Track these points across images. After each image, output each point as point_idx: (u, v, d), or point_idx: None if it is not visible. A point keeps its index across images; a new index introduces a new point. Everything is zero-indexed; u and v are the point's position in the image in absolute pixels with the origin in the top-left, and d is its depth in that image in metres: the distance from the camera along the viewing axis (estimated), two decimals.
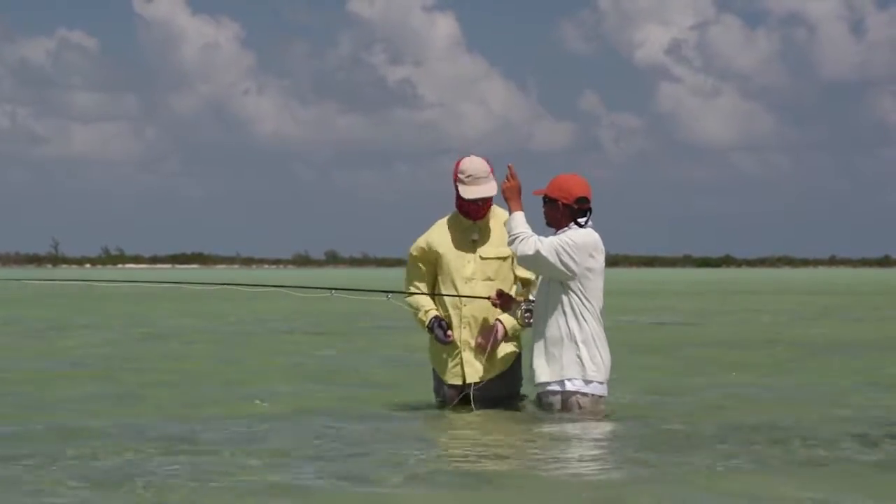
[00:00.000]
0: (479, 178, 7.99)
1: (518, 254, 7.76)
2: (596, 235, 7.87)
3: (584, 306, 7.80)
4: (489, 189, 8.01)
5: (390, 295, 8.49)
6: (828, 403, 9.48)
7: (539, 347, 7.89)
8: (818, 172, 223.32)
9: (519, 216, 7.81)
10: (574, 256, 7.72)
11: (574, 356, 7.80)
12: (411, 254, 8.26)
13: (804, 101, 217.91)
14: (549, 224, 7.95)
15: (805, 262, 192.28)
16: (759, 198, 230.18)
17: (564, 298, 7.81)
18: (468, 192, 7.99)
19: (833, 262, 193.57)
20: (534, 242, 7.71)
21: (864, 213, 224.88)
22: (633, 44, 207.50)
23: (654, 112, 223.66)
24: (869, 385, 10.93)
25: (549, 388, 7.87)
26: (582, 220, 7.87)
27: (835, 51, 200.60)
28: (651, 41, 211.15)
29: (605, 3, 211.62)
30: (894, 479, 6.42)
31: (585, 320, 7.80)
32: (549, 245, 7.72)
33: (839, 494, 5.92)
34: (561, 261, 7.72)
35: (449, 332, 8.05)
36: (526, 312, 7.98)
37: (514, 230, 7.78)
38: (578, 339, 7.79)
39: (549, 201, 7.90)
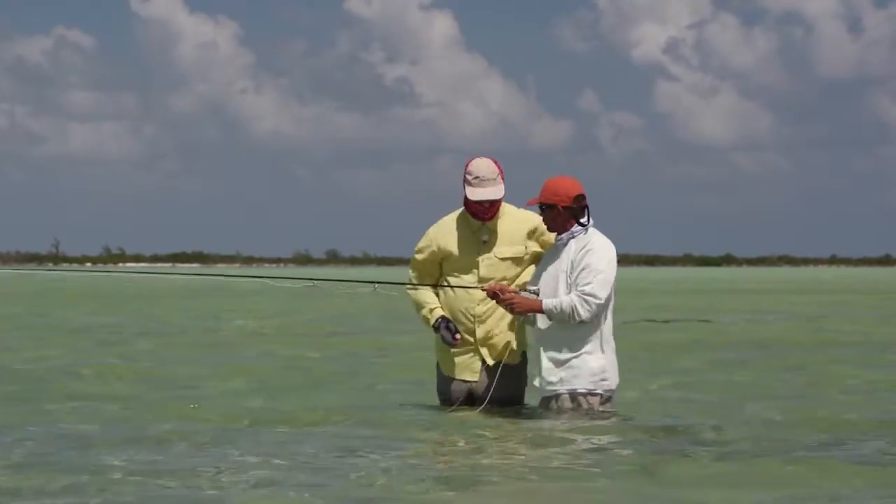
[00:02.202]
0: (485, 179, 7.94)
1: (586, 319, 7.62)
2: (612, 248, 7.79)
3: (602, 311, 7.73)
4: (496, 192, 7.96)
5: (377, 286, 8.47)
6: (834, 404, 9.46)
7: (548, 350, 7.79)
8: (818, 171, 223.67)
9: (547, 302, 7.66)
10: (611, 282, 7.70)
11: (585, 359, 7.73)
12: (417, 253, 8.21)
13: (802, 99, 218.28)
14: (550, 230, 7.88)
15: (805, 262, 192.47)
16: (759, 197, 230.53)
17: None
18: (474, 194, 7.96)
19: (833, 261, 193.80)
20: (582, 305, 7.59)
21: (864, 213, 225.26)
22: (631, 42, 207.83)
23: (653, 111, 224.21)
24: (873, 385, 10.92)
25: (558, 390, 7.78)
26: (584, 221, 7.81)
27: (833, 49, 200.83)
28: (648, 40, 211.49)
29: (603, 2, 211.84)
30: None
31: (597, 324, 7.73)
32: (601, 280, 7.63)
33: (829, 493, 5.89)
34: (608, 298, 7.70)
35: (457, 335, 8.00)
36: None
37: (563, 311, 7.62)
38: (590, 342, 7.72)
39: (547, 208, 7.82)
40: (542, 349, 7.83)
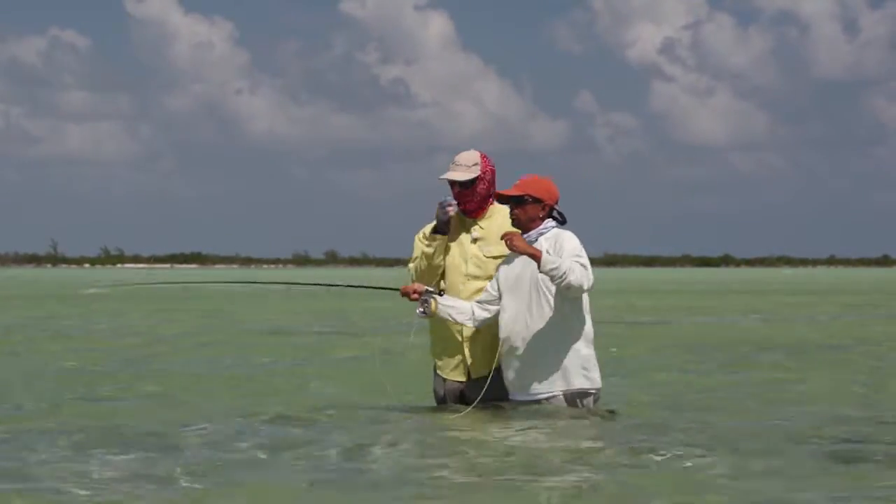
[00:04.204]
0: (459, 164, 8.09)
1: (576, 285, 7.53)
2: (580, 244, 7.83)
3: (582, 307, 7.82)
4: (461, 174, 8.05)
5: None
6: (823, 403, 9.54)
7: (535, 354, 7.77)
8: (814, 172, 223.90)
9: (546, 255, 7.55)
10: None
11: (574, 359, 7.75)
12: (417, 238, 8.29)
13: (798, 100, 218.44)
14: (519, 225, 7.82)
15: (804, 262, 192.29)
16: (757, 197, 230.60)
17: (564, 304, 7.75)
18: (445, 175, 8.11)
19: (832, 261, 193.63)
20: (582, 270, 7.55)
21: (862, 213, 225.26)
22: (627, 43, 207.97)
23: (649, 111, 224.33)
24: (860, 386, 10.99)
25: (553, 392, 7.79)
26: (556, 220, 7.87)
27: (828, 50, 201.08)
28: (644, 40, 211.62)
29: (598, 3, 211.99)
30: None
31: (582, 322, 7.83)
32: (587, 263, 7.61)
33: (814, 491, 5.98)
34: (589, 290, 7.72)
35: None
36: (424, 303, 7.85)
37: (560, 267, 7.50)
38: (577, 341, 7.77)
39: (533, 201, 7.82)
40: (528, 354, 7.79)
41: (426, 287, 7.95)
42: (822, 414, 8.94)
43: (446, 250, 8.17)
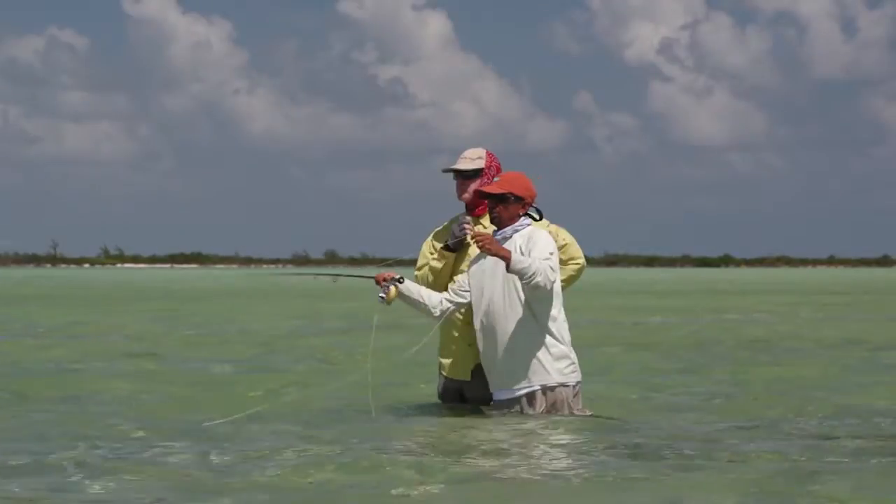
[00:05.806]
0: (464, 157, 8.22)
1: (542, 286, 7.61)
2: (553, 242, 7.86)
3: (553, 303, 7.84)
4: (464, 164, 8.17)
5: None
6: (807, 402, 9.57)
7: (511, 350, 7.82)
8: (813, 172, 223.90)
9: (515, 255, 7.61)
10: (558, 270, 7.80)
11: (548, 353, 7.80)
12: (425, 245, 8.35)
13: (797, 100, 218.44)
14: (500, 222, 7.87)
15: (804, 262, 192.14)
16: (756, 197, 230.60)
17: (535, 300, 7.79)
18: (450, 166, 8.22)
19: (832, 261, 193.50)
20: (548, 272, 7.61)
21: (861, 213, 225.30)
22: (625, 43, 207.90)
23: (647, 111, 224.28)
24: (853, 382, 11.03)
25: (532, 386, 7.84)
26: (535, 214, 7.94)
27: (826, 50, 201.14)
28: (642, 40, 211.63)
29: (596, 2, 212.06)
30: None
31: (554, 317, 7.85)
32: (556, 262, 7.72)
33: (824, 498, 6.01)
34: (558, 286, 7.80)
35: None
36: (385, 289, 7.82)
37: (529, 268, 7.54)
38: (549, 336, 7.80)
39: (514, 199, 7.87)
40: (503, 351, 7.85)
41: (393, 275, 7.92)
42: (819, 416, 8.97)
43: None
